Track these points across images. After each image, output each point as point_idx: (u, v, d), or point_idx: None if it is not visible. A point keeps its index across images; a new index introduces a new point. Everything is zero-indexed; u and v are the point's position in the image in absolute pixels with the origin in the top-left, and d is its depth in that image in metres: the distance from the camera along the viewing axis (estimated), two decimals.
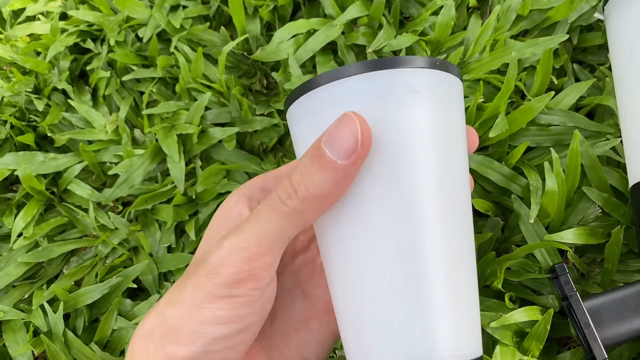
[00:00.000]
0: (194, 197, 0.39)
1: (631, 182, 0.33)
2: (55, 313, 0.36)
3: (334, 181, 0.22)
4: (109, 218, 0.40)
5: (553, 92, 0.36)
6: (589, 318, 0.31)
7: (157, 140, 0.41)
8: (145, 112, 0.42)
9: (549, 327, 0.31)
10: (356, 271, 0.23)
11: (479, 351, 0.23)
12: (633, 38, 0.34)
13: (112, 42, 0.43)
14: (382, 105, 0.22)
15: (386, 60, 0.22)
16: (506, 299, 0.32)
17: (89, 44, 0.45)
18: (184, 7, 0.45)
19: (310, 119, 0.23)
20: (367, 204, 0.22)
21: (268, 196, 0.24)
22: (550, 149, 0.34)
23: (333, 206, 0.23)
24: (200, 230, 0.38)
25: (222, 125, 0.41)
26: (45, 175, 0.42)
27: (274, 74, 0.41)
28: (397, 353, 0.22)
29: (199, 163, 0.40)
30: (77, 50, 0.45)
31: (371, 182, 0.22)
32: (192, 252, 0.38)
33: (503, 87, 0.35)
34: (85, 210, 0.41)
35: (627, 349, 0.33)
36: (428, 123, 0.22)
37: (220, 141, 0.40)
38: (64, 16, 0.47)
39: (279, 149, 0.41)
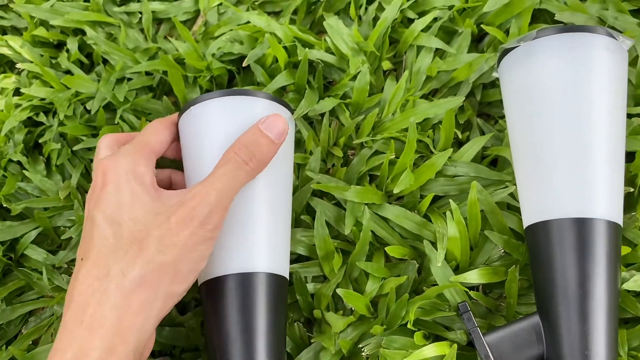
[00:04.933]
0: None
1: (525, 225, 0.38)
2: None
3: (272, 153, 0.36)
4: (63, 279, 0.43)
5: (451, 150, 0.40)
6: (488, 351, 0.35)
7: None
8: None
9: None
10: None
11: (286, 274, 0.38)
12: (517, 94, 0.39)
13: (62, 117, 0.47)
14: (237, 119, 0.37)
15: (239, 90, 0.38)
16: (415, 337, 0.36)
17: (42, 117, 0.48)
18: (129, 79, 0.49)
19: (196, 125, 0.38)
20: None
21: (229, 159, 0.34)
22: (450, 200, 0.39)
23: None
24: None
25: None
26: (2, 242, 0.45)
27: None
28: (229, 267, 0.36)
29: None
30: (30, 123, 0.49)
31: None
32: None
33: (405, 148, 0.39)
34: (41, 273, 0.44)
35: None
36: None
37: None
38: (17, 91, 0.51)
39: None
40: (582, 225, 0.35)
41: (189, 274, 0.33)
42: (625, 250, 0.37)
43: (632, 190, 0.40)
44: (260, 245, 0.36)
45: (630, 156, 0.41)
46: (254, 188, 0.36)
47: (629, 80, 0.43)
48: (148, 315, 0.31)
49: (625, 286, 0.37)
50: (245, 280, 0.35)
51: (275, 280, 0.36)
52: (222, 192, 0.33)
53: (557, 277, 0.35)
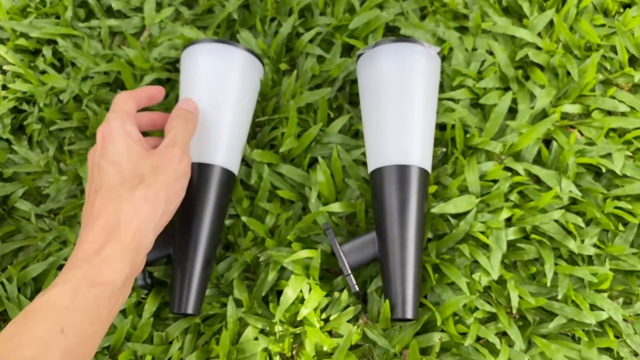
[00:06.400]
0: None
1: (369, 171, 0.55)
2: (11, 284, 0.54)
3: (193, 118, 0.51)
4: (45, 223, 0.59)
5: (321, 124, 0.58)
6: (340, 252, 0.52)
7: (75, 169, 0.60)
8: (67, 148, 0.61)
9: (320, 260, 0.53)
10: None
11: (236, 171, 0.56)
12: (365, 85, 0.56)
13: (41, 105, 0.62)
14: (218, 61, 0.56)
15: (226, 40, 0.56)
16: (294, 245, 0.54)
17: (25, 106, 0.64)
18: (91, 77, 0.65)
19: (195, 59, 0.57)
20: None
21: (177, 116, 0.50)
22: (319, 157, 0.57)
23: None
24: None
25: None
26: None
27: None
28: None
29: None
30: (15, 110, 0.65)
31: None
32: None
33: (289, 123, 0.57)
34: (28, 220, 0.60)
35: (368, 270, 0.55)
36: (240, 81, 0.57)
37: None
38: (4, 86, 0.66)
39: None
40: (401, 170, 0.53)
41: (175, 199, 0.45)
42: (432, 188, 0.56)
43: (444, 150, 0.59)
44: (220, 145, 0.54)
45: (444, 127, 0.60)
46: (222, 109, 0.54)
47: (447, 74, 0.62)
48: (150, 224, 0.41)
49: (433, 210, 0.55)
50: (204, 168, 0.53)
51: (227, 173, 0.54)
52: (185, 138, 0.48)
53: (385, 204, 0.53)
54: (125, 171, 0.43)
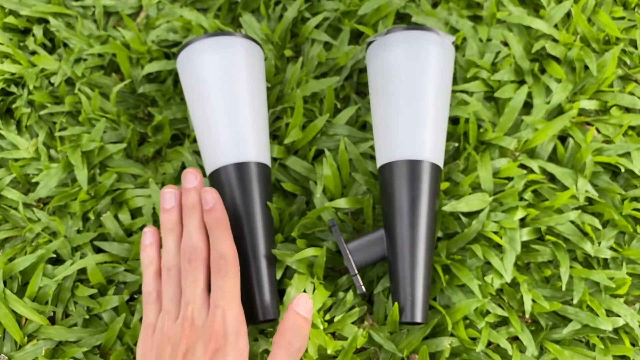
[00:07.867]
0: (93, 195, 0.55)
1: (378, 166, 0.53)
2: None
3: (308, 326, 0.46)
4: (34, 212, 0.56)
5: (328, 115, 0.55)
6: (347, 250, 0.50)
7: (67, 156, 0.57)
8: (57, 134, 0.58)
9: (324, 258, 0.50)
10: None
11: (269, 162, 0.53)
12: (376, 74, 0.53)
13: (31, 88, 0.59)
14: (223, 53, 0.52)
15: (223, 32, 0.52)
16: (298, 242, 0.51)
17: (13, 88, 0.60)
18: (85, 59, 0.62)
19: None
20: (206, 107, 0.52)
21: (281, 346, 0.44)
22: (325, 149, 0.54)
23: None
24: (99, 215, 0.55)
25: (114, 143, 0.58)
26: None
27: (150, 108, 0.59)
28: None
29: (97, 171, 0.57)
30: (3, 92, 0.61)
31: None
32: (95, 232, 0.54)
33: (295, 112, 0.54)
34: (15, 209, 0.56)
35: (375, 269, 0.52)
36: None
37: (112, 154, 0.57)
38: None
39: (157, 157, 0.59)
40: (413, 165, 0.50)
41: None
42: (444, 185, 0.53)
43: (457, 144, 0.56)
44: (249, 140, 0.51)
45: (457, 121, 0.57)
46: (240, 103, 0.51)
47: (460, 66, 0.60)
48: None
49: (444, 208, 0.53)
50: (241, 167, 0.50)
51: (263, 167, 0.51)
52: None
53: (395, 201, 0.50)
54: None
